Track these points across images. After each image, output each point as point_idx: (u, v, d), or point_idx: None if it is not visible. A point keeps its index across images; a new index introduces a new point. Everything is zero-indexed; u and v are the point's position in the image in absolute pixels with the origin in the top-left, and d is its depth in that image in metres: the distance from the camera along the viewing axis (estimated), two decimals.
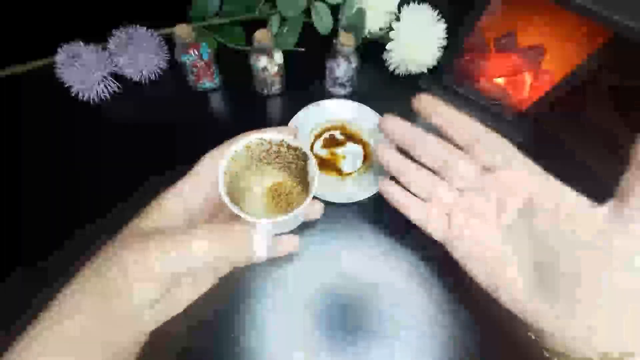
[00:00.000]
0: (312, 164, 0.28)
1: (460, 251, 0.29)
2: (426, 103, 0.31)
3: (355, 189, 0.39)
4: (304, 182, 0.30)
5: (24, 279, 0.33)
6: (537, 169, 0.27)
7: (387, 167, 0.32)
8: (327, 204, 0.37)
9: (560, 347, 0.24)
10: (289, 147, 0.29)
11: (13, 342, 0.20)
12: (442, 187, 0.31)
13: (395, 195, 0.32)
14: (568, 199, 0.25)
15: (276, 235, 0.30)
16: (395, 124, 0.32)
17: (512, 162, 0.28)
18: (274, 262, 0.35)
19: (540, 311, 0.25)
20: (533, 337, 0.26)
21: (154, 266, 0.21)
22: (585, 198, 0.25)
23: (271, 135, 0.29)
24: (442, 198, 0.30)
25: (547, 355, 0.25)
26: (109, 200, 0.35)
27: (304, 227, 0.35)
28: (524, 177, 0.27)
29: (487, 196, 0.29)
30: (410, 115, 0.46)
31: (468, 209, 0.29)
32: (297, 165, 0.31)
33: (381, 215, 0.38)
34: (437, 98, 0.31)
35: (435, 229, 0.31)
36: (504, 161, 0.28)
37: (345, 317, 0.34)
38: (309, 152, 0.28)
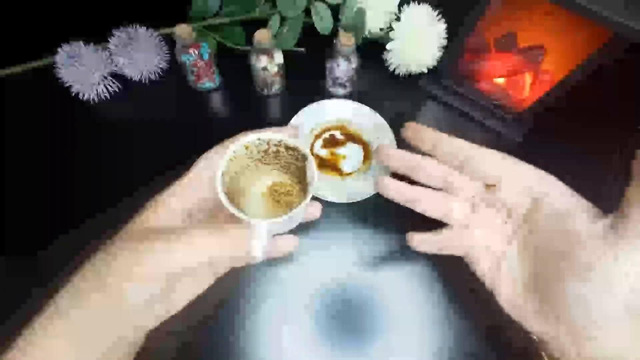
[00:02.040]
0: (311, 165, 0.28)
1: (466, 246, 0.29)
2: (414, 132, 0.31)
3: (355, 189, 0.39)
4: (303, 182, 0.30)
5: (22, 276, 0.33)
6: (536, 174, 0.27)
7: (396, 164, 0.31)
8: (327, 204, 0.37)
9: (555, 352, 0.24)
10: (287, 147, 0.29)
11: (12, 338, 0.20)
12: (459, 181, 0.30)
13: (402, 189, 0.31)
14: (571, 207, 0.25)
15: (274, 235, 0.30)
16: (391, 153, 0.31)
17: (507, 172, 0.28)
18: (273, 262, 0.35)
19: (530, 313, 0.25)
20: (535, 339, 0.26)
21: (151, 266, 0.22)
22: (590, 206, 0.25)
23: (270, 135, 0.28)
24: (463, 188, 0.30)
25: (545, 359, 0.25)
26: (109, 200, 0.35)
27: (303, 227, 0.35)
28: (523, 185, 0.27)
29: (494, 207, 0.29)
30: (409, 115, 0.46)
31: (479, 217, 0.29)
32: (296, 165, 0.30)
33: (381, 216, 0.38)
34: (422, 126, 0.31)
35: (457, 218, 0.30)
36: (498, 175, 0.28)
37: (345, 318, 0.34)
38: (308, 153, 0.28)
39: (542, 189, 0.26)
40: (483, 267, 0.28)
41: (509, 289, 0.26)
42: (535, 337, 0.26)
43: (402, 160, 0.31)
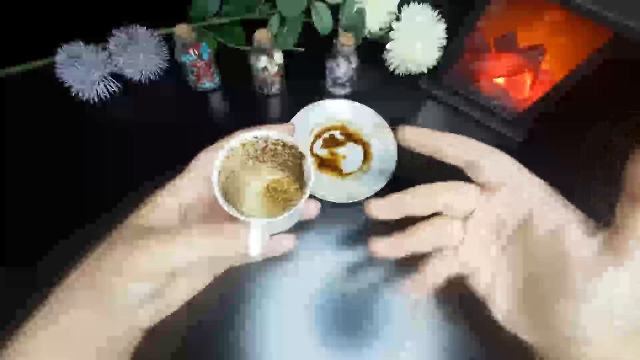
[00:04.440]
0: (308, 163, 0.27)
1: (460, 263, 0.28)
2: (411, 135, 0.28)
3: (355, 189, 0.39)
4: (301, 180, 0.30)
5: (22, 274, 0.33)
6: (536, 184, 0.26)
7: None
8: (327, 204, 0.37)
9: (548, 359, 0.24)
10: (284, 145, 0.29)
11: (8, 340, 0.20)
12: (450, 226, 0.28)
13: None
14: (566, 222, 0.23)
15: (272, 234, 0.30)
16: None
17: (510, 179, 0.26)
18: (272, 261, 0.35)
19: (524, 326, 0.25)
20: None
21: (146, 264, 0.21)
22: (584, 219, 0.23)
23: (266, 133, 0.28)
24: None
25: None
26: (108, 199, 0.35)
27: (303, 227, 0.35)
28: (522, 196, 0.26)
29: (488, 214, 0.27)
30: (409, 115, 0.46)
31: (473, 231, 0.28)
32: (293, 163, 0.30)
33: None
34: (420, 129, 0.28)
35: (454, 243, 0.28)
36: (501, 179, 0.26)
37: (345, 318, 0.34)
38: (304, 151, 0.28)
39: (542, 204, 0.25)
40: (477, 282, 0.27)
41: (503, 304, 0.26)
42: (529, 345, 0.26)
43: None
